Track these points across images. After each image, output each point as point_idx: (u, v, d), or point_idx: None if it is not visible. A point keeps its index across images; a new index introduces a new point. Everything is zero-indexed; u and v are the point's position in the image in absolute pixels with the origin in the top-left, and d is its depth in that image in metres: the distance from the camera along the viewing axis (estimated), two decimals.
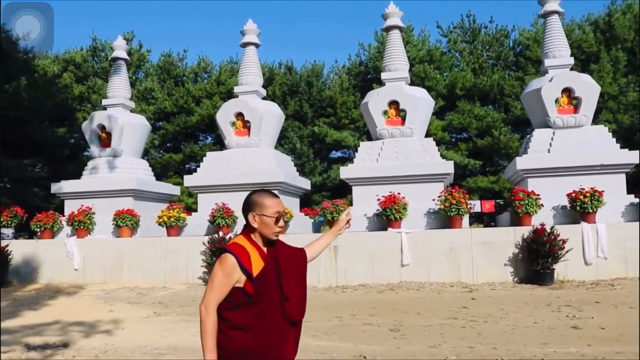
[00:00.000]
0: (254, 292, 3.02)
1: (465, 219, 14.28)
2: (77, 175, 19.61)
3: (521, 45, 30.81)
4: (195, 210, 17.81)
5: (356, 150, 17.12)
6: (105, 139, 18.62)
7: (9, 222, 16.73)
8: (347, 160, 28.38)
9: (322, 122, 30.11)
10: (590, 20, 29.87)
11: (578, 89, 15.26)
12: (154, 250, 15.19)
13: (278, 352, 3.06)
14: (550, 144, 14.98)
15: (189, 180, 17.11)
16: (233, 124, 17.60)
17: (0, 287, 14.74)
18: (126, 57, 20.11)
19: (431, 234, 13.86)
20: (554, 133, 15.14)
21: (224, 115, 17.64)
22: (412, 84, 18.76)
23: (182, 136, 32.48)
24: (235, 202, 15.62)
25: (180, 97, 31.47)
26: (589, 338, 7.59)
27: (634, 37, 27.30)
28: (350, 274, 13.72)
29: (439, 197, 14.07)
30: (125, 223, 16.15)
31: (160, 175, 27.32)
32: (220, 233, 14.59)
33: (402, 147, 15.80)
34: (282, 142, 27.53)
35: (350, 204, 15.56)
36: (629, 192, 14.57)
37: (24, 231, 20.68)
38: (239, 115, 17.52)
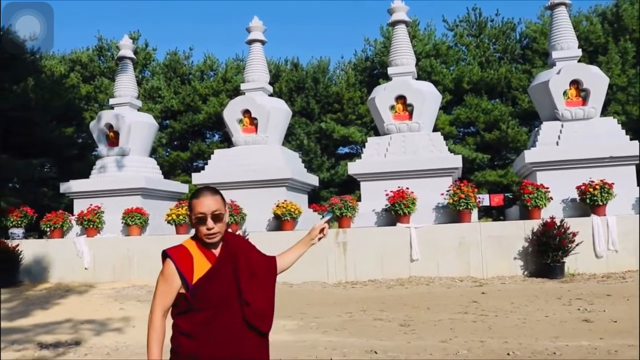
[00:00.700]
0: (193, 298, 2.83)
1: (474, 213, 14.25)
2: (85, 174, 19.68)
3: (528, 38, 30.70)
4: None
5: (363, 146, 17.09)
6: (113, 138, 18.67)
7: (19, 222, 16.81)
8: (355, 155, 28.40)
9: (329, 118, 30.11)
10: (598, 11, 29.72)
11: (586, 81, 15.16)
12: (163, 249, 15.19)
13: None
14: (559, 137, 14.90)
15: (196, 178, 17.13)
16: (240, 121, 17.60)
17: (12, 286, 14.85)
18: (132, 56, 20.14)
19: (440, 228, 13.83)
20: (562, 125, 15.06)
21: (231, 113, 17.65)
22: (418, 78, 18.71)
23: (189, 134, 32.56)
24: (243, 199, 15.68)
25: (187, 95, 31.54)
26: (601, 331, 7.55)
27: None
28: (360, 269, 13.71)
29: (448, 191, 14.03)
30: (134, 221, 16.20)
31: (168, 174, 27.41)
32: (229, 230, 14.59)
33: (409, 142, 15.76)
34: (290, 139, 27.54)
35: (359, 199, 15.55)
36: (639, 183, 14.48)
37: (34, 231, 20.78)
38: (246, 112, 17.52)
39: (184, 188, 20.76)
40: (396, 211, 13.96)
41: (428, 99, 16.33)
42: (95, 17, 74.63)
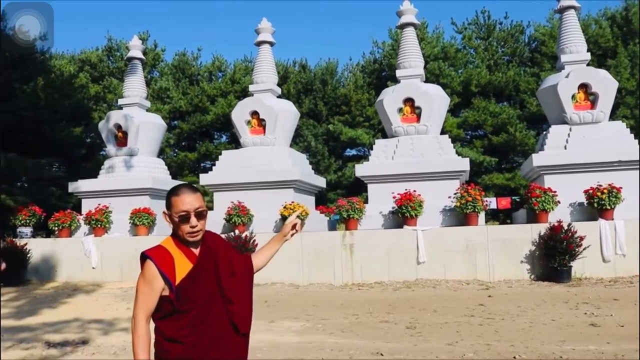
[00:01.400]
0: (178, 300, 2.76)
1: (481, 216, 14.23)
2: (93, 174, 19.77)
3: (537, 41, 30.64)
4: (211, 209, 17.91)
5: (371, 148, 17.09)
6: (121, 138, 18.76)
7: (28, 221, 16.90)
8: (362, 158, 28.40)
9: (337, 120, 30.13)
10: (607, 14, 29.62)
11: (595, 85, 15.12)
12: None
13: None
14: (567, 141, 14.86)
15: (204, 179, 17.19)
16: (248, 122, 17.64)
17: (20, 285, 14.94)
18: (142, 56, 20.23)
19: (447, 231, 13.82)
20: (570, 129, 15.02)
21: (240, 114, 17.70)
22: (426, 81, 18.70)
23: (197, 135, 32.65)
24: (251, 200, 15.72)
25: (195, 96, 31.64)
26: (608, 335, 7.53)
27: None
28: (366, 271, 13.72)
29: (455, 194, 14.02)
30: (142, 221, 16.27)
31: (175, 174, 27.49)
32: (237, 231, 14.65)
33: (417, 145, 15.76)
34: (297, 140, 27.58)
35: (366, 201, 15.56)
36: None
37: (42, 230, 20.90)
38: (254, 113, 17.56)
39: None
40: (403, 213, 13.96)
41: (436, 101, 16.32)
42: (104, 18, 75.00)
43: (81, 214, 17.36)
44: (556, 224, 12.52)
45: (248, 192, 16.18)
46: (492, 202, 15.40)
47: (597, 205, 13.12)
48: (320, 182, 19.18)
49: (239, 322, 2.91)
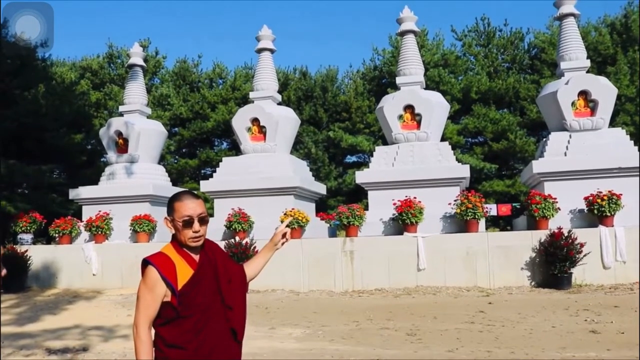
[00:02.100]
0: (180, 305, 2.78)
1: (482, 223, 14.24)
2: (94, 181, 19.79)
3: (536, 48, 30.69)
4: (212, 216, 17.92)
5: (371, 155, 17.11)
6: (122, 145, 18.79)
7: (28, 228, 16.91)
8: (363, 164, 28.43)
9: (337, 127, 30.16)
10: (607, 21, 29.67)
11: (594, 92, 15.16)
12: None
13: None
14: (567, 147, 14.88)
15: (205, 186, 17.21)
16: (249, 129, 17.68)
17: (20, 292, 14.94)
18: (142, 63, 20.28)
19: (447, 238, 13.83)
20: (570, 136, 15.05)
21: (240, 121, 17.74)
22: (427, 88, 18.75)
23: (197, 142, 32.67)
24: (251, 207, 15.73)
25: (196, 103, 31.70)
26: (608, 342, 7.53)
27: None
28: (367, 278, 13.72)
29: (455, 201, 14.04)
30: (143, 228, 16.28)
31: (176, 181, 27.50)
32: (237, 238, 14.66)
33: (417, 151, 15.79)
34: (298, 147, 27.60)
35: (366, 208, 15.57)
36: None
37: (43, 237, 20.90)
38: (255, 120, 17.60)
39: None
40: (403, 220, 13.97)
41: (436, 108, 16.36)
42: (106, 25, 75.21)
43: (82, 221, 17.37)
44: (556, 231, 12.53)
45: (248, 199, 16.20)
46: (492, 209, 15.41)
47: (597, 212, 13.13)
48: (321, 188, 19.20)
49: (238, 328, 2.94)
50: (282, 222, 14.58)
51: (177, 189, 20.08)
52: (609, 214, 13.04)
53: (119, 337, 8.93)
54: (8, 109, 21.42)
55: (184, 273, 2.83)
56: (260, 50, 18.67)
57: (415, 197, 14.26)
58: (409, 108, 16.34)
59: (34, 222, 17.02)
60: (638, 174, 14.27)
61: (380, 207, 15.10)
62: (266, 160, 17.02)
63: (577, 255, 12.31)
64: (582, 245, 12.36)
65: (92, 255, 15.83)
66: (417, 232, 13.92)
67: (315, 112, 30.83)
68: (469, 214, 13.62)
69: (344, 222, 14.32)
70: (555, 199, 13.56)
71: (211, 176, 18.06)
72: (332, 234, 16.50)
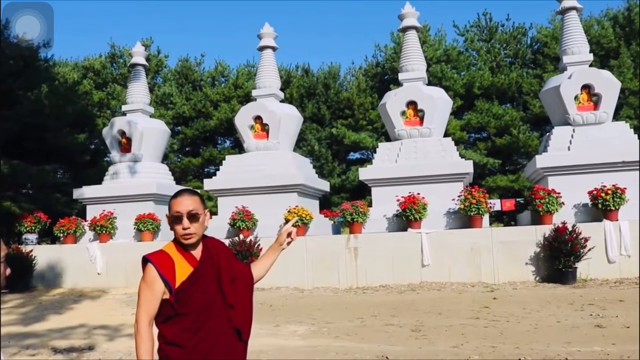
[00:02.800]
0: (177, 302, 2.79)
1: (486, 219, 14.22)
2: (98, 180, 19.81)
3: (539, 43, 30.64)
4: (216, 214, 17.93)
5: (374, 151, 17.10)
6: (125, 144, 18.81)
7: (33, 228, 16.96)
8: (366, 161, 28.40)
9: (340, 124, 30.16)
10: (609, 15, 29.60)
11: (598, 86, 15.11)
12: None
13: None
14: (571, 142, 14.85)
15: (208, 184, 17.22)
16: (252, 127, 17.68)
17: (25, 291, 14.99)
18: (145, 63, 20.29)
19: (451, 234, 13.82)
20: (573, 130, 15.01)
21: (243, 119, 17.74)
22: (429, 84, 18.72)
23: (200, 140, 32.71)
24: (255, 205, 15.74)
25: (199, 102, 31.73)
26: (614, 337, 7.51)
27: None
28: (371, 275, 13.72)
29: (459, 196, 14.02)
30: (147, 227, 16.32)
31: (179, 180, 27.53)
32: (241, 236, 14.67)
33: (420, 147, 15.77)
34: (301, 145, 27.62)
35: (370, 205, 15.57)
36: None
37: (47, 236, 20.95)
38: (258, 118, 17.60)
39: None
40: (407, 217, 13.96)
41: (439, 104, 16.33)
42: (108, 25, 75.25)
43: (86, 220, 17.42)
44: (560, 226, 12.50)
45: (252, 197, 16.21)
46: (496, 204, 15.41)
47: (602, 206, 13.10)
48: (324, 186, 19.20)
49: (242, 328, 2.93)
50: (286, 219, 14.68)
51: (181, 188, 20.13)
52: (613, 208, 13.01)
53: (124, 336, 8.94)
54: (11, 109, 21.43)
55: (183, 271, 2.84)
56: (262, 48, 18.66)
57: (418, 193, 14.25)
58: (412, 104, 16.32)
59: (39, 222, 17.07)
60: None
61: (384, 203, 15.09)
62: (269, 158, 17.02)
63: (582, 250, 12.28)
64: (586, 239, 12.33)
65: (96, 255, 15.88)
66: (421, 228, 13.92)
67: (318, 109, 30.82)
68: (473, 209, 13.60)
69: (347, 219, 14.32)
70: (559, 193, 13.53)
71: (214, 174, 18.07)
72: (336, 231, 16.50)
